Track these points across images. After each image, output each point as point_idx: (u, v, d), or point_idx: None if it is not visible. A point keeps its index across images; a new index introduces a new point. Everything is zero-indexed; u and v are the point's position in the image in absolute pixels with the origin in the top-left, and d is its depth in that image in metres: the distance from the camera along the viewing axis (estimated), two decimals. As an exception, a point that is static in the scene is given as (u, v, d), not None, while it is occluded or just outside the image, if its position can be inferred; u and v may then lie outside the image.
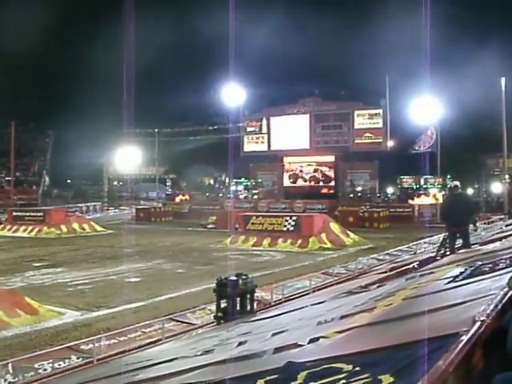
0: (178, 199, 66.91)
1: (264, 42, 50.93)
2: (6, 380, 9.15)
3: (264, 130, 65.75)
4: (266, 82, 60.10)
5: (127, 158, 66.96)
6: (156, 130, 65.80)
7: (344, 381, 3.24)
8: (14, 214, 45.70)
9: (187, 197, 66.86)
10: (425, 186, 62.62)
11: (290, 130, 63.44)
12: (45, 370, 9.85)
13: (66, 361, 10.29)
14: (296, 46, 54.52)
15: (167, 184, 78.38)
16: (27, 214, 45.10)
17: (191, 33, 51.86)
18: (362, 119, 60.90)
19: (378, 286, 10.56)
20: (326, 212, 44.50)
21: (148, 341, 11.49)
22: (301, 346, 4.77)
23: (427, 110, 52.48)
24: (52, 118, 62.51)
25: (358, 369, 3.33)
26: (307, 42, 52.91)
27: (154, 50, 56.52)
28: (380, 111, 59.77)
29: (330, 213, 43.83)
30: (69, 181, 77.97)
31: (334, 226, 33.30)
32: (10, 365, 9.45)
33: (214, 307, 12.59)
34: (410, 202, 58.38)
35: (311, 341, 4.80)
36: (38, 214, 44.02)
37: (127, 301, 16.64)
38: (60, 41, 53.34)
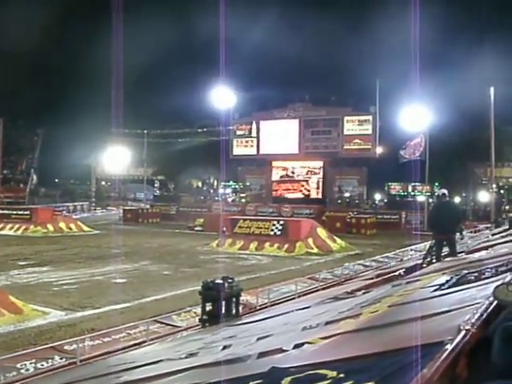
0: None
1: (255, 45, 51.02)
2: (-13, 380, 9.11)
3: (253, 133, 65.75)
4: (256, 85, 60.22)
5: (115, 159, 66.85)
6: (145, 131, 65.71)
7: None
8: (1, 211, 45.50)
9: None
10: (412, 194, 62.74)
11: (280, 135, 63.46)
12: (27, 370, 9.78)
13: (49, 361, 10.24)
14: (287, 51, 54.65)
15: (155, 185, 78.22)
16: (14, 212, 44.93)
17: (183, 34, 51.87)
18: (352, 125, 61.00)
19: (364, 293, 10.57)
20: (313, 217, 44.56)
21: (132, 342, 11.45)
22: (285, 351, 4.76)
23: (417, 116, 52.60)
24: (41, 117, 62.35)
25: (342, 375, 3.32)
26: (298, 47, 53.05)
27: (144, 51, 56.41)
28: (370, 117, 59.87)
29: (318, 218, 43.89)
30: (56, 180, 77.72)
31: (321, 232, 33.32)
32: (-8, 365, 9.41)
33: (199, 310, 12.57)
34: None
35: (296, 346, 4.79)
36: (25, 213, 43.85)
37: (113, 301, 16.60)
38: (50, 39, 53.18)
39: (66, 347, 10.80)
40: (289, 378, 3.50)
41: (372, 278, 15.61)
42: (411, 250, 26.63)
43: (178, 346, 8.60)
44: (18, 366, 9.76)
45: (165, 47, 54.65)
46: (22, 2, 51.96)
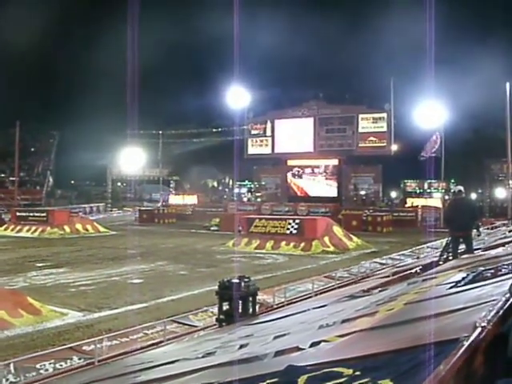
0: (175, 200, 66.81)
1: (269, 44, 50.97)
2: (7, 380, 9.18)
3: (268, 132, 65.69)
4: (270, 84, 60.30)
5: (131, 159, 67.05)
6: (160, 132, 65.85)
7: None
8: (18, 214, 45.75)
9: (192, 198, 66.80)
10: (428, 191, 62.51)
11: (294, 133, 63.37)
12: (46, 370, 9.86)
13: (68, 361, 10.31)
14: (301, 49, 54.64)
15: (171, 186, 78.32)
16: (31, 214, 45.12)
17: (196, 35, 51.92)
18: (366, 123, 60.79)
19: (380, 291, 10.56)
20: (329, 215, 44.52)
21: (150, 342, 11.50)
22: (302, 349, 4.77)
23: (432, 114, 52.42)
24: (56, 119, 62.71)
25: (358, 373, 3.33)
26: (312, 45, 53.01)
27: (158, 52, 56.63)
28: (384, 115, 59.65)
29: (334, 216, 43.84)
30: (72, 181, 78.12)
31: (337, 230, 33.27)
32: (11, 365, 9.48)
33: (216, 310, 12.61)
34: (409, 200, 58.51)
35: (312, 344, 4.80)
36: (42, 215, 44.05)
37: (129, 302, 16.66)
38: (65, 41, 53.44)
39: (84, 348, 10.87)
40: (305, 376, 3.52)
41: (388, 276, 15.58)
42: (427, 247, 26.54)
43: (195, 345, 8.63)
44: (38, 366, 9.84)
45: (178, 47, 54.78)
46: (37, 5, 52.18)
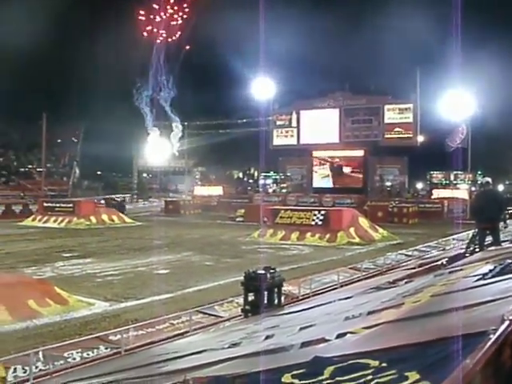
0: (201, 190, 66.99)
1: (294, 35, 50.75)
2: (37, 367, 9.30)
3: (293, 123, 65.53)
4: (295, 75, 59.90)
5: (157, 151, 67.28)
6: (185, 123, 66.01)
7: (371, 376, 3.25)
8: (45, 204, 46.09)
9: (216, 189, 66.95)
10: (455, 182, 62.11)
11: (320, 124, 63.17)
12: (74, 359, 9.97)
13: (95, 351, 10.42)
14: (326, 40, 54.32)
15: (196, 177, 78.53)
16: (57, 204, 45.45)
17: (221, 25, 51.84)
18: (392, 114, 60.42)
19: (406, 282, 10.53)
20: (354, 206, 44.38)
21: (175, 332, 11.57)
22: (328, 340, 4.77)
23: (458, 104, 51.99)
24: (83, 110, 63.02)
25: (384, 365, 3.33)
26: (337, 36, 52.71)
27: (184, 42, 56.69)
28: (410, 106, 59.24)
29: (359, 207, 43.71)
30: (99, 172, 78.54)
31: (363, 221, 33.18)
32: (40, 353, 9.61)
33: (241, 300, 12.65)
34: (435, 192, 58.11)
35: (338, 336, 4.80)
36: (68, 205, 44.36)
37: (155, 292, 16.74)
38: (90, 33, 53.66)
39: (110, 337, 10.97)
40: (332, 367, 3.53)
41: (414, 268, 15.54)
42: (453, 239, 26.39)
43: (221, 336, 8.67)
44: (65, 355, 9.95)
45: (202, 38, 54.76)
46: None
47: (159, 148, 66.89)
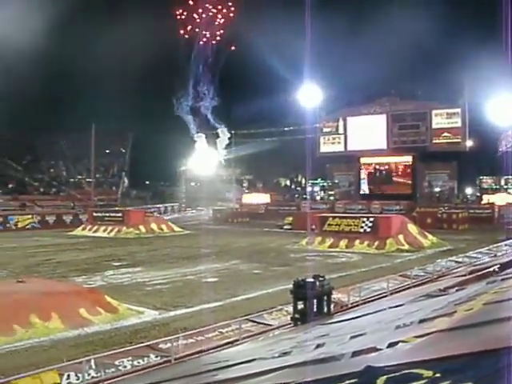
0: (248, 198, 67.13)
1: (340, 42, 50.58)
2: (89, 374, 9.43)
3: (340, 130, 65.37)
4: (342, 82, 59.67)
5: (204, 159, 67.62)
6: (232, 132, 66.21)
7: None
8: (94, 214, 46.67)
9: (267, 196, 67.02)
10: (505, 187, 61.04)
11: (367, 130, 62.86)
12: (125, 367, 10.10)
13: (145, 359, 10.52)
14: (372, 46, 53.98)
15: (244, 185, 78.67)
16: (107, 214, 45.97)
17: (268, 32, 51.91)
18: (440, 119, 59.80)
19: (458, 290, 10.38)
20: (403, 213, 44.00)
21: (225, 341, 11.59)
22: (379, 350, 4.73)
23: (507, 108, 51.21)
24: (131, 120, 63.61)
25: (438, 375, 3.28)
26: (384, 42, 52.31)
27: (235, 53, 57.02)
28: (458, 110, 58.58)
29: (408, 214, 43.31)
30: (147, 182, 79.20)
31: (412, 228, 32.86)
32: (92, 361, 9.74)
33: (290, 308, 12.62)
34: (486, 197, 57.22)
35: (390, 345, 4.75)
36: (118, 215, 44.84)
37: (204, 301, 16.80)
38: (135, 43, 54.18)
39: (160, 346, 11.04)
40: (384, 377, 3.48)
41: (465, 275, 15.30)
42: (505, 245, 25.97)
43: (271, 344, 8.66)
44: (116, 363, 10.07)
45: (249, 47, 54.88)
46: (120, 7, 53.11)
47: (206, 157, 67.23)
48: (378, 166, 63.85)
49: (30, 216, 49.81)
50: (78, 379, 9.37)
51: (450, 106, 59.09)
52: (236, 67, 55.98)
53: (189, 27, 60.97)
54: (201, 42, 61.10)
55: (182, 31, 60.77)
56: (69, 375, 9.38)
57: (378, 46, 53.54)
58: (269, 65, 54.72)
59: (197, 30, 61.02)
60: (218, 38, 61.01)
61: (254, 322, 12.99)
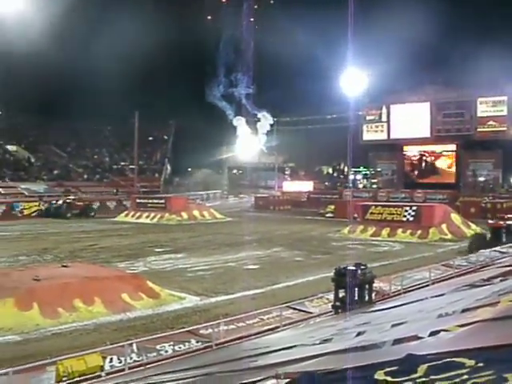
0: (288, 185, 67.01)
1: (384, 28, 50.03)
2: (131, 358, 9.55)
3: (384, 118, 64.76)
4: (385, 69, 59.08)
5: (246, 146, 67.63)
6: (275, 119, 66.07)
7: (466, 376, 3.17)
8: (138, 201, 47.09)
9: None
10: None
11: (410, 118, 62.12)
12: (166, 351, 10.21)
13: (186, 344, 10.61)
14: (416, 32, 53.32)
15: (286, 173, 78.50)
16: (150, 201, 46.36)
17: (310, 19, 51.58)
18: (486, 107, 58.81)
19: (502, 280, 10.25)
20: (446, 202, 43.54)
21: (266, 327, 11.62)
22: (421, 338, 4.70)
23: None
24: (173, 107, 63.78)
25: (481, 365, 3.24)
26: (428, 28, 51.61)
27: (276, 39, 56.73)
28: (504, 98, 57.51)
29: (451, 203, 42.84)
30: (189, 169, 79.47)
31: (455, 217, 32.53)
32: (134, 345, 9.87)
33: (331, 296, 12.61)
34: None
35: (432, 334, 4.72)
36: (160, 201, 45.17)
37: (245, 287, 16.88)
38: (175, 31, 54.35)
39: (201, 331, 11.13)
40: (425, 366, 3.46)
41: (509, 266, 15.09)
42: (552, 235, 25.52)
43: (312, 331, 8.66)
44: (158, 347, 10.20)
45: (293, 33, 54.66)
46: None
47: (248, 143, 67.23)
48: (421, 155, 63.19)
49: (74, 202, 50.47)
50: (120, 362, 9.52)
51: (495, 93, 58.14)
52: (278, 54, 55.74)
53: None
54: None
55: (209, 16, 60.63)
56: (111, 358, 9.54)
57: (422, 32, 52.92)
58: (311, 51, 54.47)
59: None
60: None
61: (295, 309, 13.00)
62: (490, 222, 29.19)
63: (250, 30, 60.89)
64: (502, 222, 26.79)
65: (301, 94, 57.86)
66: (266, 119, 65.00)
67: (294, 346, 6.51)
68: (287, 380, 4.15)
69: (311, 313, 12.86)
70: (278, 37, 55.78)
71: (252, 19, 60.47)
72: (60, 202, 43.33)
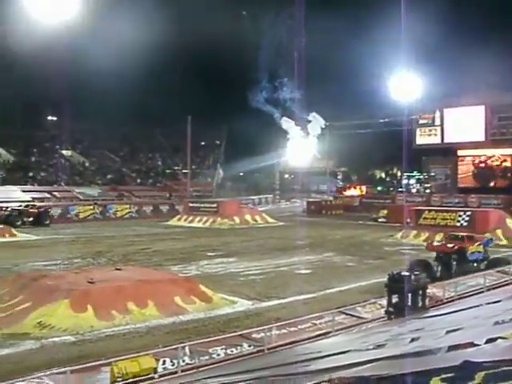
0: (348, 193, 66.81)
1: (435, 31, 49.48)
2: (184, 361, 9.62)
3: (437, 122, 63.97)
4: (439, 72, 58.43)
5: (298, 151, 67.56)
6: (327, 123, 65.90)
7: None
8: (190, 205, 47.44)
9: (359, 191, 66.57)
10: None
11: (465, 122, 61.17)
12: (218, 355, 10.25)
13: (238, 348, 10.64)
14: (469, 36, 52.61)
15: (338, 177, 78.29)
16: (202, 205, 46.68)
17: (361, 24, 51.37)
18: (543, 110, 57.72)
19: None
20: (501, 207, 42.79)
21: (318, 332, 11.58)
22: (477, 345, 4.63)
23: None
24: (225, 112, 64.11)
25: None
26: (482, 31, 50.90)
27: (327, 42, 56.56)
28: None
29: (506, 208, 42.08)
30: (241, 174, 79.74)
31: (511, 222, 31.97)
32: (187, 348, 9.94)
33: (384, 302, 12.50)
34: None
35: (488, 341, 4.64)
36: (213, 206, 45.40)
37: (297, 292, 16.86)
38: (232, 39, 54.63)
39: (253, 335, 11.15)
40: (483, 373, 3.40)
41: None
42: None
43: (365, 337, 8.61)
44: (210, 350, 10.25)
45: (349, 38, 54.45)
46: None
47: (300, 147, 67.14)
48: (475, 159, 62.26)
49: (127, 206, 51.25)
50: (173, 365, 9.62)
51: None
52: (327, 58, 55.55)
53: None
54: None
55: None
56: (164, 361, 9.64)
57: (476, 34, 52.24)
58: (362, 54, 54.22)
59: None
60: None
61: (347, 314, 12.93)
62: (436, 243, 22.64)
63: (297, 32, 60.65)
64: (450, 245, 19.84)
65: (352, 98, 57.63)
66: (316, 121, 64.75)
67: (347, 351, 6.48)
68: (340, 385, 4.13)
69: (364, 318, 12.77)
70: (327, 39, 55.58)
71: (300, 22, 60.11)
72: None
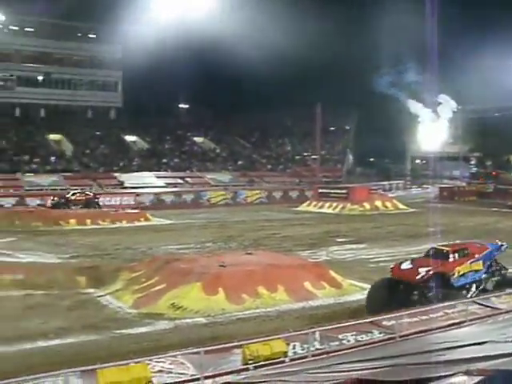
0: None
1: None
2: (314, 346, 9.65)
3: None
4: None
5: (430, 136, 66.04)
6: (459, 107, 64.06)
7: None
8: (320, 191, 47.57)
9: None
10: None
11: None
12: (348, 341, 10.21)
13: (369, 334, 10.55)
14: None
15: (471, 163, 75.92)
16: (332, 191, 46.70)
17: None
18: None
19: None
20: None
21: (450, 322, 11.31)
22: None
23: None
24: (355, 98, 63.60)
25: None
26: None
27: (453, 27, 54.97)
28: None
29: None
30: (372, 159, 78.89)
31: None
32: (317, 333, 9.94)
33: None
34: None
35: None
36: (342, 191, 45.30)
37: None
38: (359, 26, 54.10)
39: (384, 322, 11.02)
40: None
41: None
42: None
43: (502, 328, 8.35)
44: (340, 336, 10.24)
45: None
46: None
47: (431, 132, 65.63)
48: None
49: (258, 191, 52.01)
50: (303, 349, 9.69)
51: None
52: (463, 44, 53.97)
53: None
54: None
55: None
56: (295, 345, 9.73)
57: None
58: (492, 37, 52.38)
59: None
60: None
61: (481, 304, 12.56)
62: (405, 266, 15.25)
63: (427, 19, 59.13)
64: (422, 270, 14.02)
65: (486, 80, 55.68)
66: (447, 103, 63.03)
67: (485, 343, 6.28)
68: (480, 377, 3.99)
69: (499, 309, 12.36)
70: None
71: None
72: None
